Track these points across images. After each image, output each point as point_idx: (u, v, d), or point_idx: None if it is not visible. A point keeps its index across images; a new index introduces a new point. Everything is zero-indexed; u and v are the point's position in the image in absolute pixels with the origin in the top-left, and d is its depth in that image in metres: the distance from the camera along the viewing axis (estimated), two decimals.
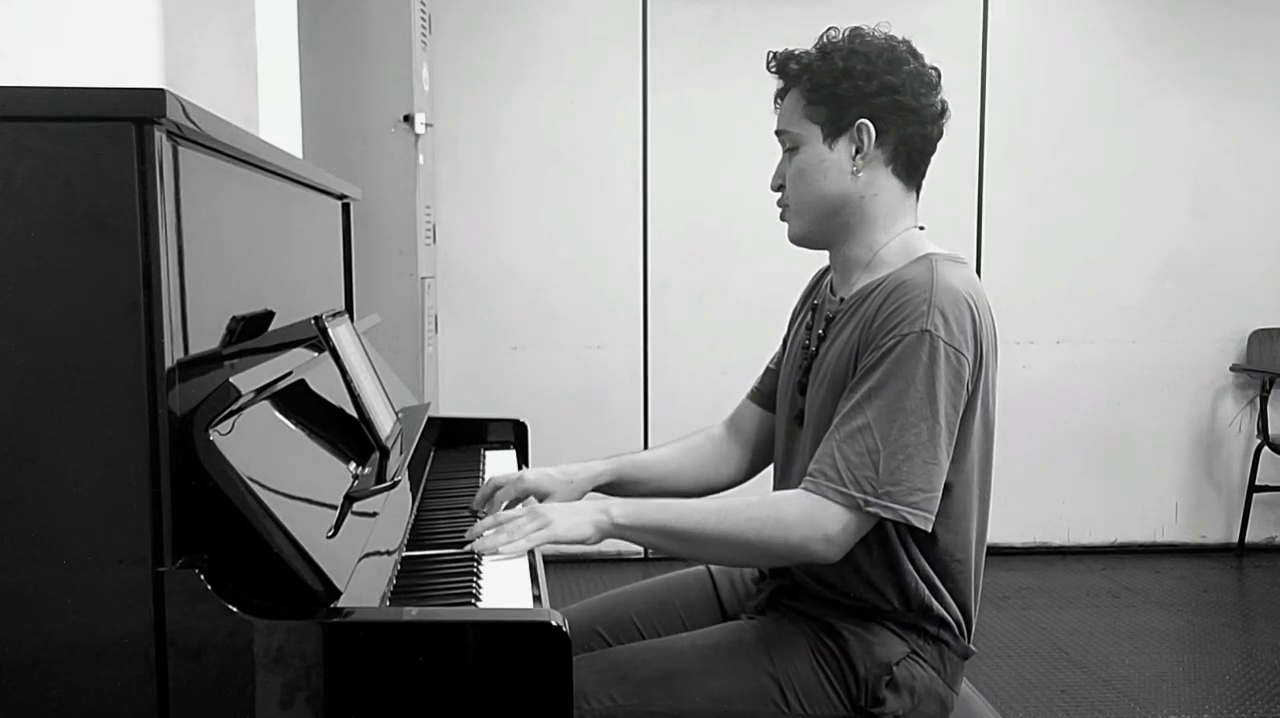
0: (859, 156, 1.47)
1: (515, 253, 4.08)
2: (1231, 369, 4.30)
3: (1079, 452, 4.29)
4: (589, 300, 4.11)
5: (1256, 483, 4.27)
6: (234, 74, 2.40)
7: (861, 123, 1.46)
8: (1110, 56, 4.16)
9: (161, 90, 0.96)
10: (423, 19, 3.31)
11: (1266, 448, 4.19)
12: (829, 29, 1.50)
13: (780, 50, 1.53)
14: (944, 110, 1.50)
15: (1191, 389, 4.32)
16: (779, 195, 1.55)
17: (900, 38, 1.50)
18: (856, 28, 1.49)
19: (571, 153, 4.05)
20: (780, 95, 1.55)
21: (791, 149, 1.52)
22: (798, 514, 1.36)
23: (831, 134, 1.47)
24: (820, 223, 1.51)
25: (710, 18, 4.04)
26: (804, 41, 1.52)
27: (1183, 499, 4.35)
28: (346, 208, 2.08)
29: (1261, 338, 4.25)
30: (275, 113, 2.53)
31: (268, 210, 1.46)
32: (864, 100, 1.45)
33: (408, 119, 3.21)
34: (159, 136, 0.98)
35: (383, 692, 1.01)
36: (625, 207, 4.09)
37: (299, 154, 2.78)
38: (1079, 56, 4.15)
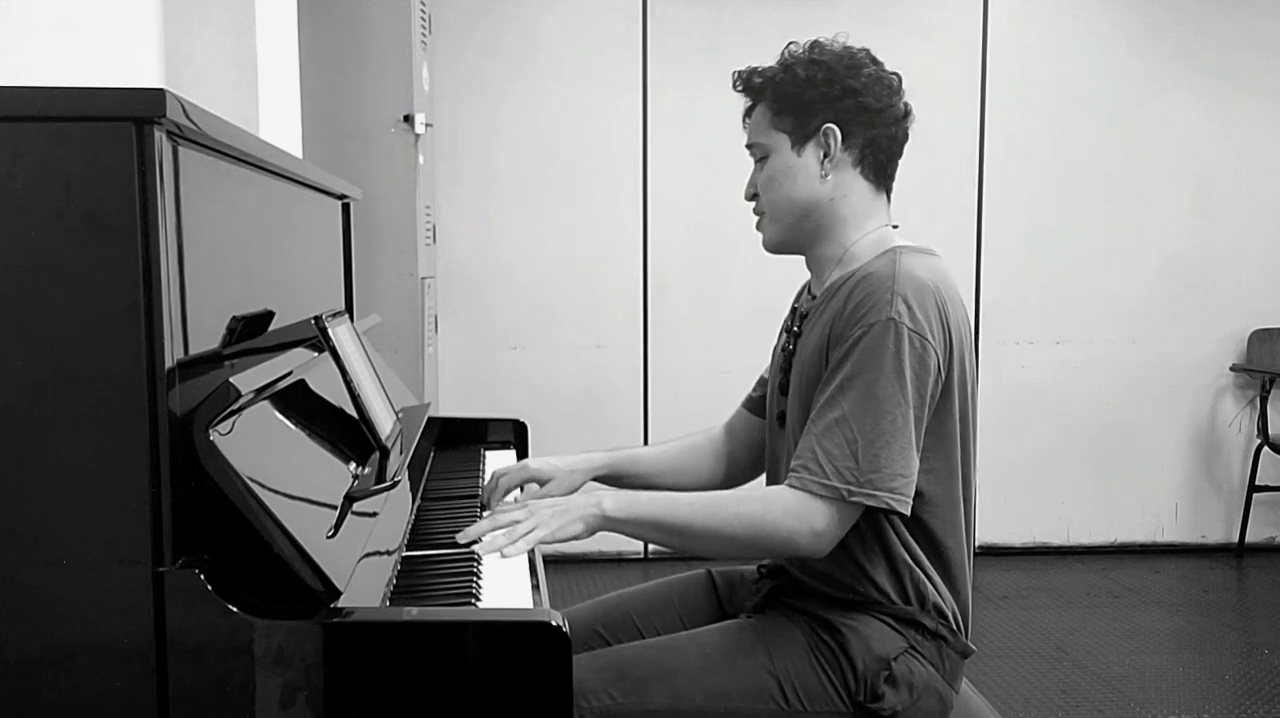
0: (827, 160, 1.51)
1: (515, 253, 4.08)
2: (1231, 369, 4.30)
3: (1079, 452, 4.28)
4: (589, 300, 4.11)
5: (1256, 483, 4.27)
6: (234, 74, 2.40)
7: (827, 127, 1.50)
8: (1110, 56, 4.16)
9: (161, 90, 0.96)
10: (423, 19, 3.31)
11: (1266, 448, 4.19)
12: (789, 44, 1.54)
13: (743, 69, 1.57)
14: (907, 113, 1.54)
15: (1191, 389, 4.32)
16: (753, 205, 1.59)
17: (859, 47, 1.54)
18: (815, 40, 1.54)
19: (571, 153, 4.05)
20: (748, 113, 1.59)
21: (761, 159, 1.56)
22: (784, 510, 1.39)
23: (799, 141, 1.52)
24: (793, 227, 1.56)
25: (710, 18, 4.04)
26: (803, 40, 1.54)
27: (1183, 499, 4.35)
28: (346, 208, 2.08)
29: (1261, 338, 4.25)
30: (275, 113, 2.53)
31: (268, 210, 1.46)
32: (828, 105, 1.49)
33: (408, 119, 3.20)
34: (159, 136, 0.98)
35: (383, 692, 1.01)
36: (625, 207, 4.09)
37: (299, 154, 2.78)
38: (1079, 56, 4.15)
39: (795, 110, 1.51)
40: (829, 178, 1.51)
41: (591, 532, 1.41)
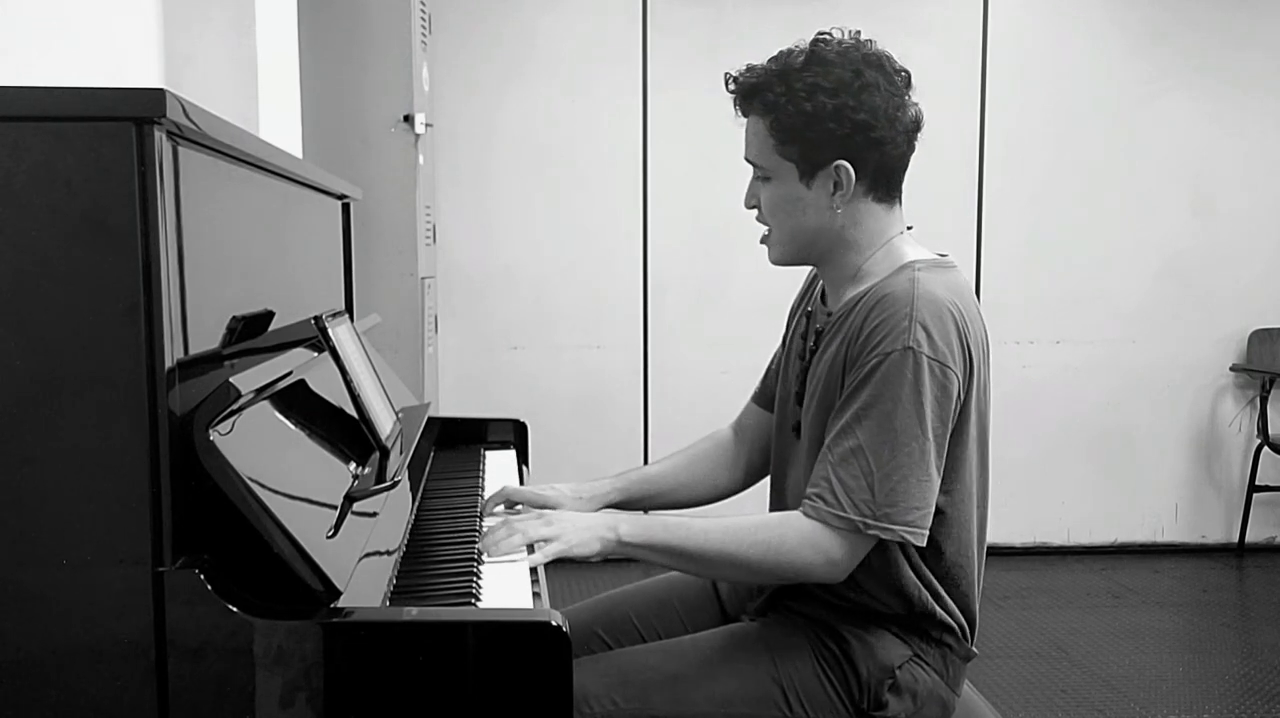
0: (838, 194, 1.43)
1: (515, 253, 4.08)
2: (1231, 369, 4.30)
3: (1079, 452, 4.28)
4: (589, 301, 4.11)
5: (1256, 483, 4.27)
6: (234, 74, 2.41)
7: (839, 164, 1.41)
8: (1110, 56, 4.15)
9: (161, 90, 0.96)
10: (423, 19, 3.31)
11: (1266, 448, 4.19)
12: (792, 52, 1.43)
13: (740, 76, 1.46)
14: (917, 123, 1.45)
15: (1191, 389, 4.32)
16: (755, 214, 1.52)
17: (867, 46, 1.43)
18: (816, 46, 1.42)
19: (571, 153, 4.05)
20: (741, 110, 1.48)
21: (764, 178, 1.48)
22: (800, 539, 1.37)
23: (807, 172, 1.43)
24: (802, 251, 1.51)
25: (710, 18, 4.03)
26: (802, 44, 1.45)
27: (1183, 499, 4.35)
28: (346, 208, 2.08)
29: (1261, 338, 4.25)
30: (275, 113, 2.53)
31: (268, 210, 1.46)
32: (836, 142, 1.40)
33: (408, 119, 3.20)
34: (159, 136, 0.98)
35: (383, 692, 1.01)
36: (625, 207, 4.09)
37: (299, 154, 2.78)
38: (1079, 56, 4.15)
39: (801, 143, 1.41)
40: (840, 210, 1.44)
41: (605, 555, 1.38)
